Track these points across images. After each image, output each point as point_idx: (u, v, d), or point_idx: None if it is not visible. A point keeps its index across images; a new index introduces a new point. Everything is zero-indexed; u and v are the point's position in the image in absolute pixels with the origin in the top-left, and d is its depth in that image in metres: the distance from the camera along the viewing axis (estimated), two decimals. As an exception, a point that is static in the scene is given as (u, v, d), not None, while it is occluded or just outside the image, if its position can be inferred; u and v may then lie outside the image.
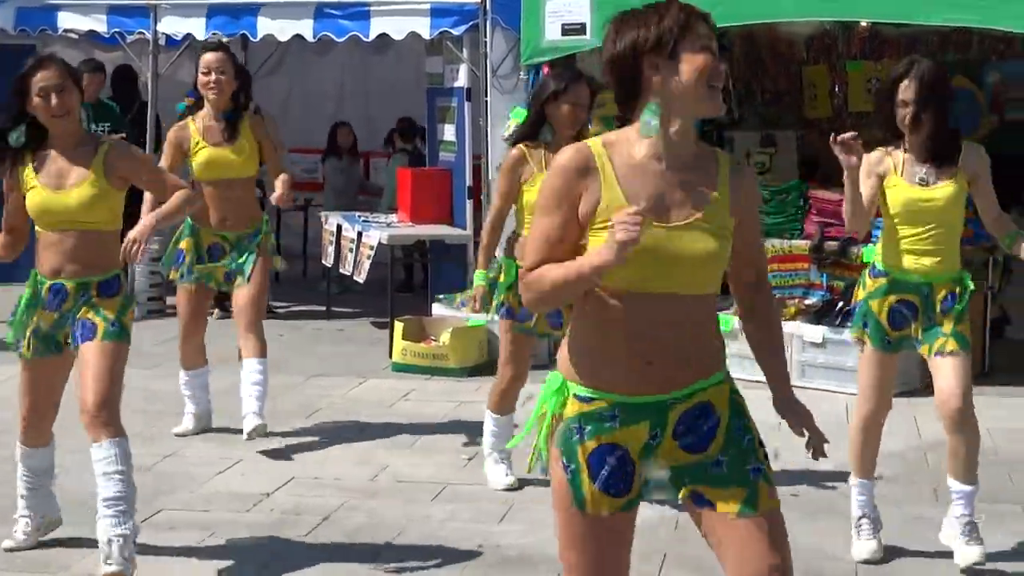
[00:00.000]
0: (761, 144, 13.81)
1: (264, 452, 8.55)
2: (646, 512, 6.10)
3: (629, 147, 3.94)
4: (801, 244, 10.76)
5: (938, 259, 6.47)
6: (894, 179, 6.47)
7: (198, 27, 12.56)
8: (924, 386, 10.18)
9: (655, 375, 3.94)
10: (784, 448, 8.27)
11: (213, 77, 8.52)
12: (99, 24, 13.12)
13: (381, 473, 8.20)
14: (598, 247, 3.80)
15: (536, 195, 7.19)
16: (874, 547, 6.66)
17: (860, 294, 6.68)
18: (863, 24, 13.20)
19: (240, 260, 8.61)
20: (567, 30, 11.30)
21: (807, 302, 10.60)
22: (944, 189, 6.41)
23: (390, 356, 11.23)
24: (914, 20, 10.69)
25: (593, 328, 3.98)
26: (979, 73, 13.90)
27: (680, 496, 4.03)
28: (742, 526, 3.92)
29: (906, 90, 6.35)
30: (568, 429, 4.01)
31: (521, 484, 7.81)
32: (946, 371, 6.45)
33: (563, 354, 4.07)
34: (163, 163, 8.53)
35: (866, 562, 6.62)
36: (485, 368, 10.89)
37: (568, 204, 3.94)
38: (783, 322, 10.32)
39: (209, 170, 8.59)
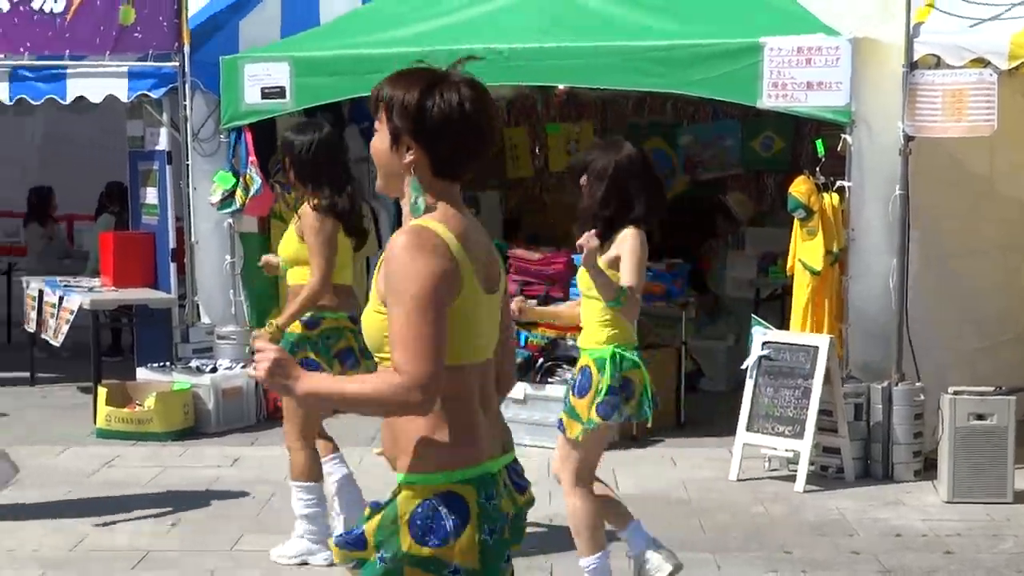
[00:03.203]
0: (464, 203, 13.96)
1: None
2: None
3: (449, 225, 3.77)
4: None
5: (584, 336, 6.66)
6: None
7: None
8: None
9: (496, 435, 3.89)
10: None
11: None
12: None
13: (80, 543, 8.00)
14: None
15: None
16: None
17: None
18: (560, 88, 13.47)
19: None
20: (267, 94, 11.30)
21: (508, 359, 10.66)
22: (583, 274, 6.51)
23: (94, 422, 10.98)
24: (606, 84, 10.96)
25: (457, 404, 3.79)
26: (673, 135, 14.32)
27: None
28: None
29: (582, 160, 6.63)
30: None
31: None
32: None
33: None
34: None
35: None
36: (190, 432, 10.77)
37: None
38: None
39: None
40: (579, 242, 6.31)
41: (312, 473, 7.48)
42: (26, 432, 10.94)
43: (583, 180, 6.61)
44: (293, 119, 11.65)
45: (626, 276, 6.41)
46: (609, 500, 6.79)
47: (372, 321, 3.77)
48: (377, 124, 3.83)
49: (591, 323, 6.57)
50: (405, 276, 3.61)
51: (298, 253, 7.51)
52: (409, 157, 3.78)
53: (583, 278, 6.54)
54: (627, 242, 6.46)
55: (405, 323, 3.59)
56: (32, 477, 9.52)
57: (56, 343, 12.00)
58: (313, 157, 7.45)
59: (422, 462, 3.72)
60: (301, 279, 7.48)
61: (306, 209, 7.41)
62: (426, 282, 3.60)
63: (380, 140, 3.82)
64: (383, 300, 3.71)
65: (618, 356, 6.49)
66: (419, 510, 3.70)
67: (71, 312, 11.60)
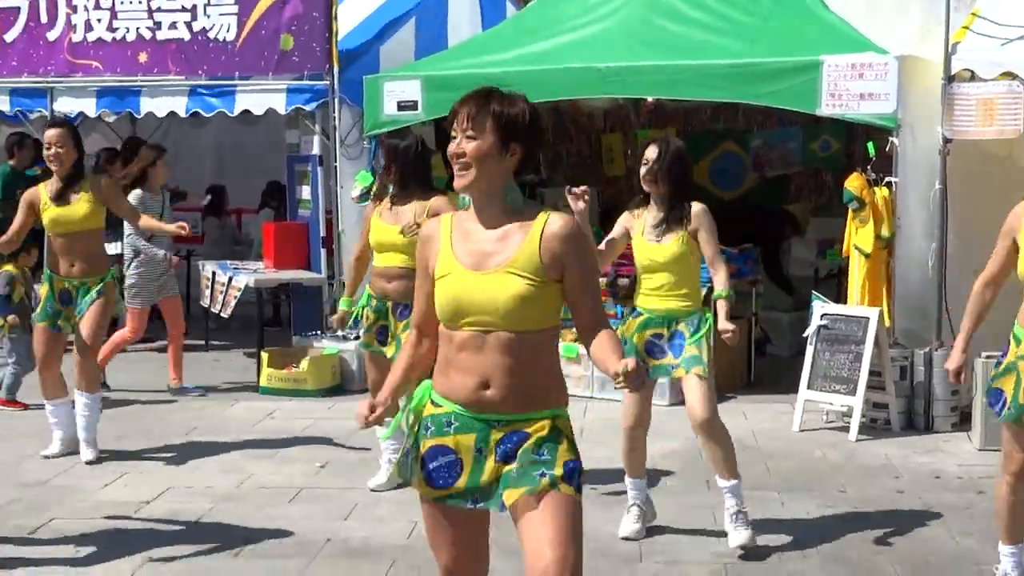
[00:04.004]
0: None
1: (146, 465, 8.42)
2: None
3: (468, 215, 4.02)
4: (600, 280, 10.77)
5: (675, 300, 6.53)
6: (637, 237, 6.58)
7: (89, 106, 12.36)
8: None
9: (496, 396, 3.90)
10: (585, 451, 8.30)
11: (52, 151, 8.36)
12: (2, 104, 12.84)
13: (246, 480, 8.08)
14: None
15: (380, 235, 7.40)
16: (636, 528, 6.74)
17: (622, 330, 6.66)
18: (649, 99, 13.39)
19: (83, 304, 8.42)
20: (402, 106, 11.33)
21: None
22: (670, 247, 6.48)
23: (258, 381, 11.08)
24: (687, 96, 10.87)
25: (444, 349, 4.00)
26: (745, 139, 14.18)
27: (500, 505, 3.96)
28: (528, 517, 3.85)
29: (650, 151, 6.48)
30: (422, 425, 4.04)
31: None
32: (690, 387, 6.52)
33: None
34: (17, 220, 8.46)
35: (627, 538, 6.68)
36: (337, 390, 10.83)
37: (424, 266, 4.09)
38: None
39: (55, 225, 8.42)
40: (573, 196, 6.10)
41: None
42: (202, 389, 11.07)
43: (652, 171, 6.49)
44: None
45: (715, 242, 6.51)
46: (643, 451, 6.80)
47: (534, 293, 3.87)
48: (475, 133, 3.89)
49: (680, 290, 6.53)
50: (593, 252, 4.04)
51: (377, 238, 7.62)
52: (514, 159, 3.92)
53: (658, 252, 6.51)
54: (704, 218, 6.46)
55: (599, 287, 4.01)
56: (207, 426, 9.66)
57: (225, 315, 12.12)
58: (414, 159, 7.54)
59: (566, 395, 4.05)
60: (388, 262, 7.57)
61: (441, 199, 7.48)
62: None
63: (485, 146, 3.88)
64: (550, 273, 3.88)
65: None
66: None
67: (239, 289, 11.70)
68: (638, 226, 6.61)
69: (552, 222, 3.90)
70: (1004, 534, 5.77)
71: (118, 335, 10.69)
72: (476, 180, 3.90)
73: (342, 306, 8.06)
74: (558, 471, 3.87)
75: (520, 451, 3.90)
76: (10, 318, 10.09)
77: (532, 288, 3.85)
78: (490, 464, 3.94)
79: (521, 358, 3.88)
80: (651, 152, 6.47)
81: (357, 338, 7.85)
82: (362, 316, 7.69)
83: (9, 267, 10.20)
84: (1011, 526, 5.73)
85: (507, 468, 3.91)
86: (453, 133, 3.94)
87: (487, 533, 4.19)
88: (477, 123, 3.89)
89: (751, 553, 6.51)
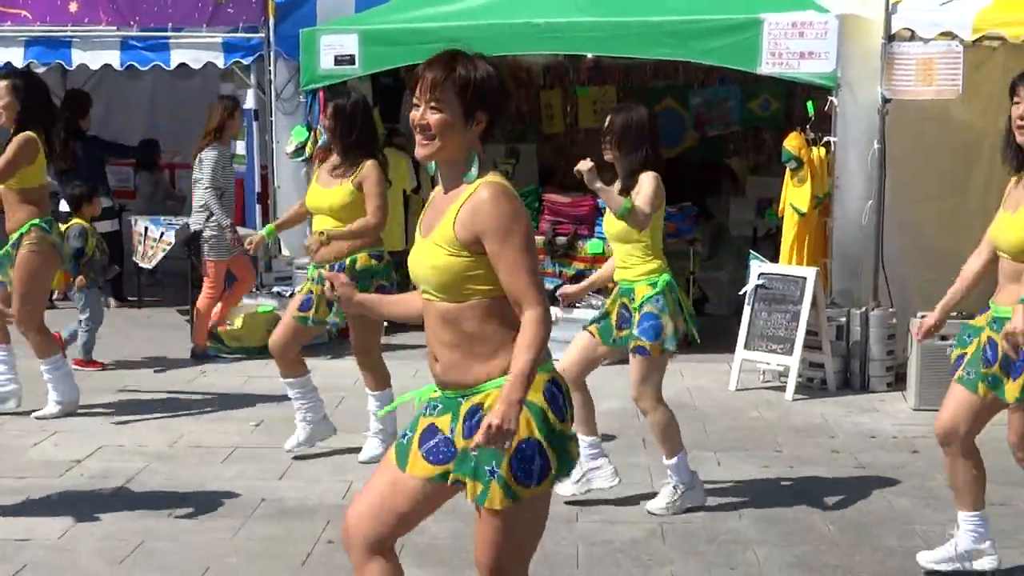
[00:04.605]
0: (506, 155, 13.94)
1: (77, 423, 8.36)
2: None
3: None
4: (537, 239, 10.80)
5: (628, 269, 6.53)
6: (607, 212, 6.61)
7: (17, 56, 12.16)
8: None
9: (441, 371, 3.90)
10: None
11: None
12: (-74, 54, 12.63)
13: (180, 440, 8.05)
14: None
15: (314, 200, 7.34)
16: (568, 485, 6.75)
17: (607, 304, 6.68)
18: (589, 56, 13.39)
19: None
20: (339, 61, 11.25)
21: (541, 287, 10.67)
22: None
23: (191, 338, 11.02)
24: (626, 53, 10.89)
25: None
26: (685, 96, 14.22)
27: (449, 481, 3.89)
28: (478, 514, 3.86)
29: (607, 120, 6.53)
30: (422, 407, 4.01)
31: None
32: (631, 365, 6.54)
33: None
34: None
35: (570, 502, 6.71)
36: (272, 348, 10.79)
37: None
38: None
39: None
40: (576, 168, 6.21)
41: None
42: (134, 347, 10.98)
43: (608, 138, 6.50)
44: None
45: (639, 203, 6.35)
46: (591, 408, 6.80)
47: (448, 264, 3.77)
48: (438, 104, 3.77)
49: (632, 260, 6.52)
50: (514, 220, 3.72)
51: (313, 202, 7.56)
52: (479, 128, 3.82)
53: (609, 224, 6.51)
54: (643, 181, 6.41)
55: (524, 259, 3.71)
56: (139, 384, 9.60)
57: (148, 267, 12.04)
58: (360, 124, 7.39)
59: None
60: (323, 226, 7.44)
61: (371, 165, 7.33)
62: (527, 226, 3.75)
63: (449, 115, 3.76)
64: (466, 245, 3.75)
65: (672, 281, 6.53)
66: (547, 396, 3.81)
67: (168, 244, 11.62)
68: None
69: (478, 192, 3.76)
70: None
71: (204, 303, 10.58)
72: (440, 150, 3.81)
73: (263, 231, 8.02)
74: (505, 467, 3.73)
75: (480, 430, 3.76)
76: (79, 280, 9.94)
77: (449, 259, 3.77)
78: (459, 439, 3.85)
79: (457, 328, 3.82)
80: (606, 121, 6.51)
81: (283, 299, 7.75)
82: (313, 293, 7.52)
83: (78, 220, 10.13)
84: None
85: (469, 445, 3.79)
86: (416, 100, 3.83)
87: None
88: (441, 92, 3.77)
89: (686, 512, 6.58)
